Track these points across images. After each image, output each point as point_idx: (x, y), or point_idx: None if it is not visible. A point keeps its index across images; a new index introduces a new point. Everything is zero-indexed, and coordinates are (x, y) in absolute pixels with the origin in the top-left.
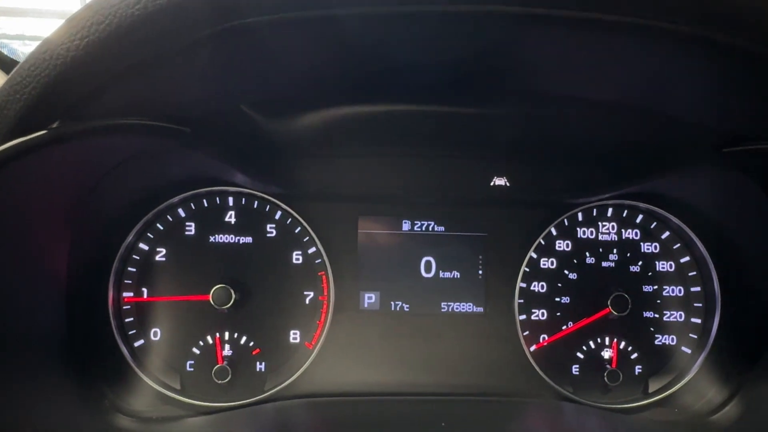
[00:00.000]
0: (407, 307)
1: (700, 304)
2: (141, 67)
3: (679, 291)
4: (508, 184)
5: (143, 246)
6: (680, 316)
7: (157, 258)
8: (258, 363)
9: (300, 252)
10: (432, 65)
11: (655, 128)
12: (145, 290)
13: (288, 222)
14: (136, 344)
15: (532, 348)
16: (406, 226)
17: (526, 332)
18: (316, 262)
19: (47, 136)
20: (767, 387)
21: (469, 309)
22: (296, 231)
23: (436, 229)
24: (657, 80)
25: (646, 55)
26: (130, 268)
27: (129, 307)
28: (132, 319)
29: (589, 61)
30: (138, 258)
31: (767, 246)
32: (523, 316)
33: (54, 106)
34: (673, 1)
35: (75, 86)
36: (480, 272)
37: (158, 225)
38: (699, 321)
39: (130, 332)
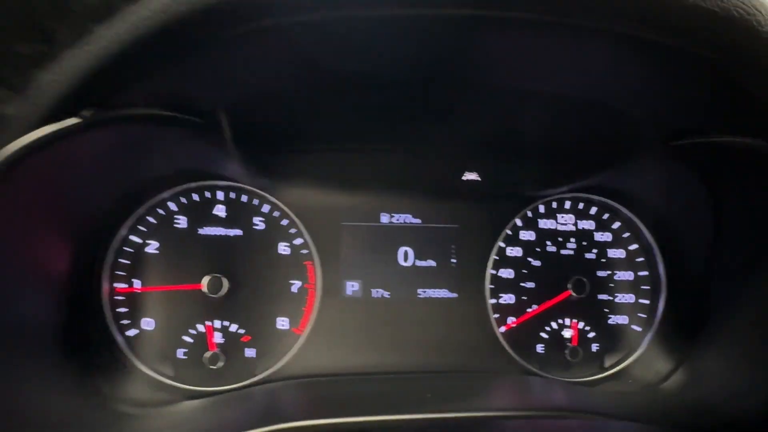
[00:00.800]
0: (387, 294)
1: (648, 287)
2: (162, 61)
3: (630, 275)
4: (478, 178)
5: (136, 239)
6: (631, 297)
7: (149, 250)
8: (248, 349)
9: (287, 243)
10: (399, 67)
11: (608, 124)
12: (137, 281)
13: (276, 215)
14: (131, 333)
15: (502, 329)
16: (384, 218)
17: (496, 315)
18: (302, 252)
19: (83, 123)
20: (707, 357)
21: (444, 295)
22: (283, 223)
23: (412, 221)
24: (607, 78)
25: (594, 54)
26: (122, 260)
27: (122, 298)
28: (125, 309)
29: (544, 60)
30: (130, 250)
31: (705, 234)
32: (493, 300)
33: (89, 95)
34: (611, 6)
35: (112, 76)
36: (453, 261)
37: (150, 218)
38: (647, 302)
39: (124, 322)
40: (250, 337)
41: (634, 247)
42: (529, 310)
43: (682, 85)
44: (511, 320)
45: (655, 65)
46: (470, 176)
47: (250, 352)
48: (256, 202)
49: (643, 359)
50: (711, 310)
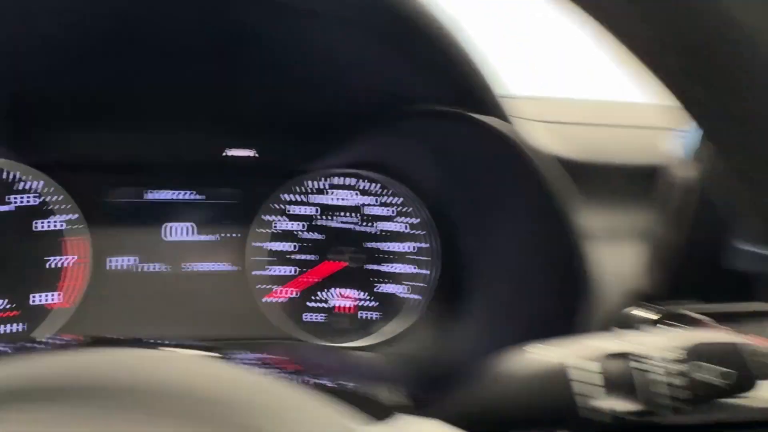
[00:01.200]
0: (160, 268)
1: (428, 258)
2: None
3: (410, 247)
4: (248, 154)
5: None
6: (408, 268)
7: None
8: (15, 324)
9: (53, 220)
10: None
11: (351, 101)
12: None
13: (39, 190)
14: None
15: (272, 300)
16: (155, 194)
17: (269, 286)
18: (72, 228)
19: None
20: (466, 325)
21: (219, 268)
22: (48, 199)
23: (186, 196)
24: (335, 57)
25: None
26: None
27: None
28: None
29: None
30: None
31: (462, 206)
32: (265, 272)
33: None
34: None
35: None
36: (228, 235)
37: None
38: (426, 272)
39: None
40: (18, 312)
41: (414, 221)
42: (303, 280)
43: (398, 59)
44: (283, 290)
45: (374, 45)
46: (243, 152)
47: (17, 327)
48: (17, 176)
49: (416, 326)
50: (472, 280)
